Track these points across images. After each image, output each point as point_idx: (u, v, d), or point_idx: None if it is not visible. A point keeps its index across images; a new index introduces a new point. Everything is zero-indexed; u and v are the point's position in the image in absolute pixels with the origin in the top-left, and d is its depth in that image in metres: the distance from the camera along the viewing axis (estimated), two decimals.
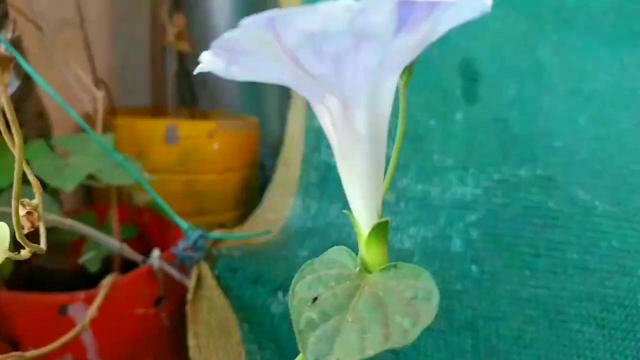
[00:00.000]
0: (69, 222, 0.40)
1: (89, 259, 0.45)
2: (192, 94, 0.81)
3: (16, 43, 0.46)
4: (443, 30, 0.15)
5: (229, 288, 0.48)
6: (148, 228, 0.55)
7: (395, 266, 0.18)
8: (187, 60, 0.79)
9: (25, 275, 0.46)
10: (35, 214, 0.21)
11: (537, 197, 0.59)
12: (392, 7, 0.13)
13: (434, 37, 0.15)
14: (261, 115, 0.84)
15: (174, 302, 0.49)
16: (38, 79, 0.39)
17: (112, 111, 0.66)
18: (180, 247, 0.45)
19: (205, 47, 0.18)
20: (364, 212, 0.19)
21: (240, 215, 0.72)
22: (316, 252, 0.58)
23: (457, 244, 0.58)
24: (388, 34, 0.14)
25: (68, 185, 0.43)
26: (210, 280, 0.47)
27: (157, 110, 0.79)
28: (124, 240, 0.52)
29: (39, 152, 0.46)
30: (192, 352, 0.45)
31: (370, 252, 0.18)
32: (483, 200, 0.60)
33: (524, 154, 0.61)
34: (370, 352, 0.15)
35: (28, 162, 0.46)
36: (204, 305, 0.47)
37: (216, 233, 0.50)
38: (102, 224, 0.51)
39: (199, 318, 0.46)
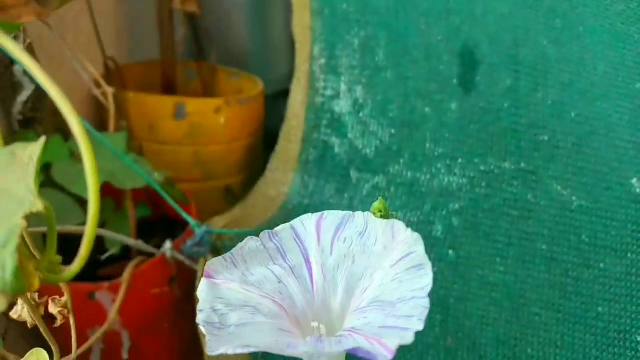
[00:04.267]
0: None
1: (108, 254, 0.55)
2: (200, 50, 0.86)
3: (29, 49, 0.52)
4: None
5: None
6: (163, 205, 0.64)
7: None
8: (196, 19, 0.83)
9: None
10: (65, 311, 0.29)
11: (517, 189, 0.66)
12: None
13: None
14: (268, 70, 0.90)
15: (185, 279, 0.60)
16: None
17: (122, 80, 0.72)
18: (188, 244, 0.55)
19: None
20: None
21: (245, 178, 0.80)
22: None
23: (438, 230, 0.66)
24: None
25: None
26: None
27: (166, 64, 0.85)
28: (139, 218, 0.62)
29: (57, 153, 0.54)
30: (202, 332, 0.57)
31: None
32: (467, 190, 0.67)
33: (510, 147, 0.67)
34: None
35: (48, 166, 0.54)
36: None
37: (219, 226, 0.59)
38: (119, 210, 0.61)
39: None
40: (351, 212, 0.27)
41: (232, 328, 0.23)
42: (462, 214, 0.67)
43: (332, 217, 0.27)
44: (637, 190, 0.65)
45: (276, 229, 0.27)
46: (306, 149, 0.72)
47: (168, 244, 0.56)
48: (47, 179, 0.52)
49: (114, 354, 0.59)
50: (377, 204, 0.29)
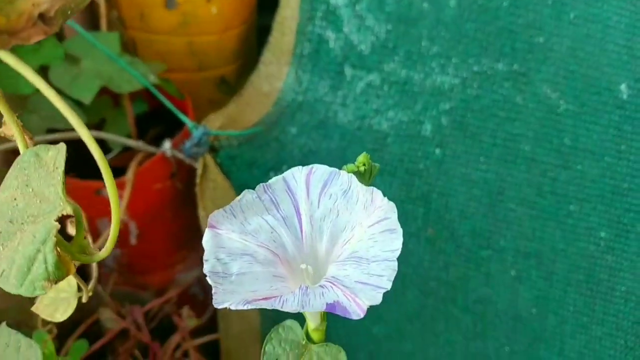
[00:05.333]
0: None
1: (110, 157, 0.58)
2: None
3: None
4: None
5: (229, 172, 0.63)
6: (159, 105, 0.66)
7: (327, 345, 0.31)
8: None
9: None
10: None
11: (507, 91, 0.68)
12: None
13: None
14: None
15: (185, 173, 0.64)
16: None
17: None
18: (187, 146, 0.58)
19: None
20: (311, 319, 0.31)
21: (240, 67, 0.81)
22: (305, 128, 0.71)
23: (427, 129, 0.70)
24: None
25: (86, 97, 0.53)
26: (213, 167, 0.61)
27: None
28: (137, 114, 0.64)
29: (52, 56, 0.55)
30: (202, 220, 0.62)
31: (314, 335, 0.31)
32: (459, 90, 0.69)
33: (504, 48, 0.68)
34: None
35: (44, 69, 0.56)
36: (210, 185, 0.62)
37: (215, 126, 0.62)
38: (117, 108, 0.63)
39: (205, 195, 0.62)
40: (336, 170, 0.30)
41: (233, 277, 0.27)
42: (451, 114, 0.70)
43: (320, 172, 0.30)
44: (624, 96, 0.67)
45: (270, 181, 0.31)
46: (300, 42, 0.72)
47: (167, 144, 0.60)
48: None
49: (123, 240, 0.65)
50: (361, 158, 0.32)
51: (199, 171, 0.60)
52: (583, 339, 0.66)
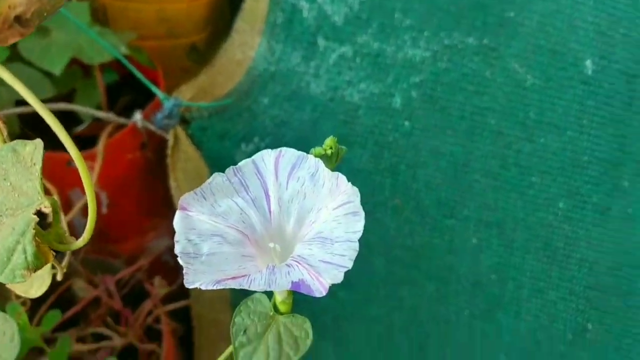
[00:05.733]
0: (62, 106, 0.53)
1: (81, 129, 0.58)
2: None
3: None
4: None
5: (201, 143, 0.64)
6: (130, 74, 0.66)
7: (293, 316, 0.32)
8: None
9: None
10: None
11: (477, 65, 0.70)
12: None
13: None
14: None
15: (156, 144, 0.65)
16: None
17: None
18: (159, 117, 0.58)
19: None
20: (278, 292, 0.33)
21: (210, 36, 0.80)
22: (277, 98, 0.72)
23: (397, 102, 0.71)
24: None
25: (56, 68, 0.53)
26: (184, 139, 0.62)
27: None
28: (107, 83, 0.64)
29: None
30: (174, 191, 0.63)
31: (281, 307, 0.33)
32: (429, 63, 0.70)
33: (476, 22, 0.69)
34: None
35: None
36: (181, 157, 0.63)
37: (187, 97, 0.62)
38: (87, 78, 0.62)
39: (177, 166, 0.63)
40: (304, 154, 0.31)
41: (203, 257, 0.29)
42: (421, 87, 0.71)
43: (288, 155, 0.31)
44: (589, 72, 0.69)
45: (239, 164, 0.32)
46: (273, 10, 0.72)
47: (138, 115, 0.60)
48: (13, 53, 0.53)
49: None
50: (328, 141, 0.33)
51: (170, 143, 0.61)
52: (539, 302, 0.70)
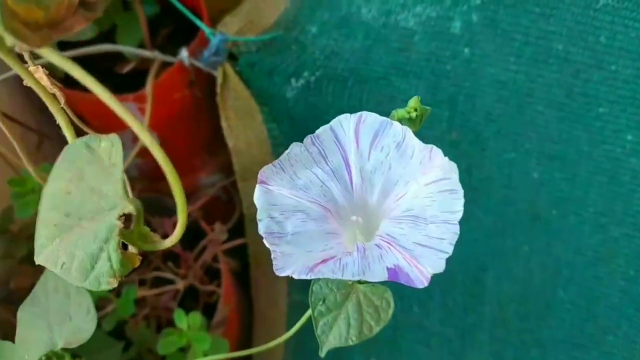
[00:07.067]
0: (106, 47, 0.50)
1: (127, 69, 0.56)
2: None
3: None
4: None
5: (249, 80, 0.61)
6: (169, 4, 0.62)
7: (373, 285, 0.31)
8: None
9: None
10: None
11: None
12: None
13: None
14: None
15: (204, 81, 0.62)
16: None
17: None
18: (206, 55, 0.55)
19: None
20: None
21: None
22: (325, 27, 0.67)
23: (457, 26, 0.66)
24: None
25: None
26: (233, 76, 0.59)
27: None
28: (148, 16, 0.61)
29: None
30: (226, 131, 0.61)
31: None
32: None
33: None
34: (353, 339, 0.29)
35: None
36: (231, 95, 0.60)
37: (233, 30, 0.58)
38: (127, 12, 0.59)
39: (227, 105, 0.60)
40: (388, 120, 0.29)
41: (289, 236, 0.27)
42: (483, 9, 0.65)
43: (370, 121, 0.29)
44: None
45: (317, 132, 0.29)
46: None
47: (184, 52, 0.57)
48: None
49: (144, 150, 0.64)
50: (412, 102, 0.30)
51: (219, 80, 0.58)
52: (600, 238, 0.68)
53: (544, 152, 0.68)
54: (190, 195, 0.70)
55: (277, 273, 0.26)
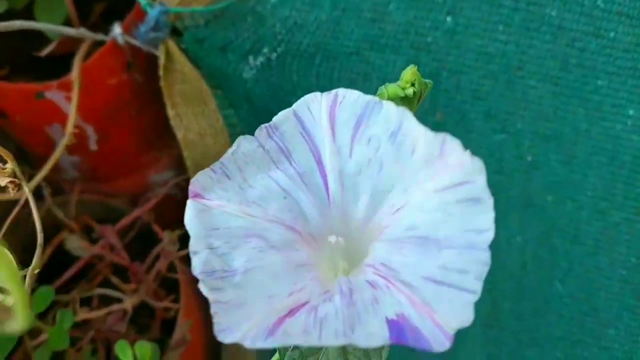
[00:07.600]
0: (18, 24, 0.41)
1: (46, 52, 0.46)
2: None
3: None
4: None
5: (198, 59, 0.51)
6: None
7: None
8: None
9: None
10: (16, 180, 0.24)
11: None
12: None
13: None
14: None
15: (144, 63, 0.53)
16: None
17: None
18: (142, 30, 0.46)
19: None
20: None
21: None
22: None
23: None
24: None
25: None
26: (178, 55, 0.50)
27: None
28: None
29: None
30: (173, 121, 0.52)
31: None
32: None
33: None
34: None
35: None
36: (177, 78, 0.51)
37: (174, 2, 0.49)
38: None
39: (173, 90, 0.51)
40: (376, 99, 0.20)
41: (238, 276, 0.19)
42: None
43: (350, 101, 0.20)
44: None
45: (275, 119, 0.20)
46: None
47: (117, 29, 0.47)
48: None
49: (82, 146, 0.55)
50: (407, 75, 0.22)
51: (161, 61, 0.49)
52: (599, 225, 0.62)
53: (537, 132, 0.61)
54: (139, 196, 0.60)
55: (220, 338, 0.17)
